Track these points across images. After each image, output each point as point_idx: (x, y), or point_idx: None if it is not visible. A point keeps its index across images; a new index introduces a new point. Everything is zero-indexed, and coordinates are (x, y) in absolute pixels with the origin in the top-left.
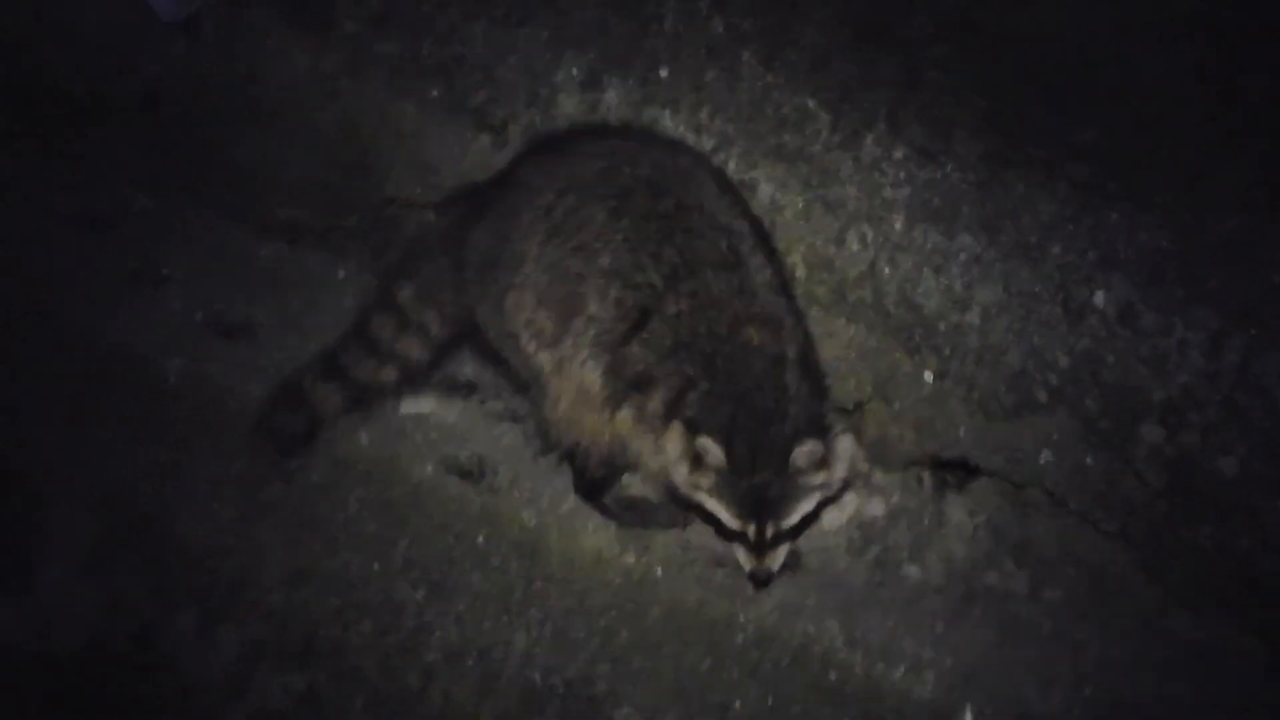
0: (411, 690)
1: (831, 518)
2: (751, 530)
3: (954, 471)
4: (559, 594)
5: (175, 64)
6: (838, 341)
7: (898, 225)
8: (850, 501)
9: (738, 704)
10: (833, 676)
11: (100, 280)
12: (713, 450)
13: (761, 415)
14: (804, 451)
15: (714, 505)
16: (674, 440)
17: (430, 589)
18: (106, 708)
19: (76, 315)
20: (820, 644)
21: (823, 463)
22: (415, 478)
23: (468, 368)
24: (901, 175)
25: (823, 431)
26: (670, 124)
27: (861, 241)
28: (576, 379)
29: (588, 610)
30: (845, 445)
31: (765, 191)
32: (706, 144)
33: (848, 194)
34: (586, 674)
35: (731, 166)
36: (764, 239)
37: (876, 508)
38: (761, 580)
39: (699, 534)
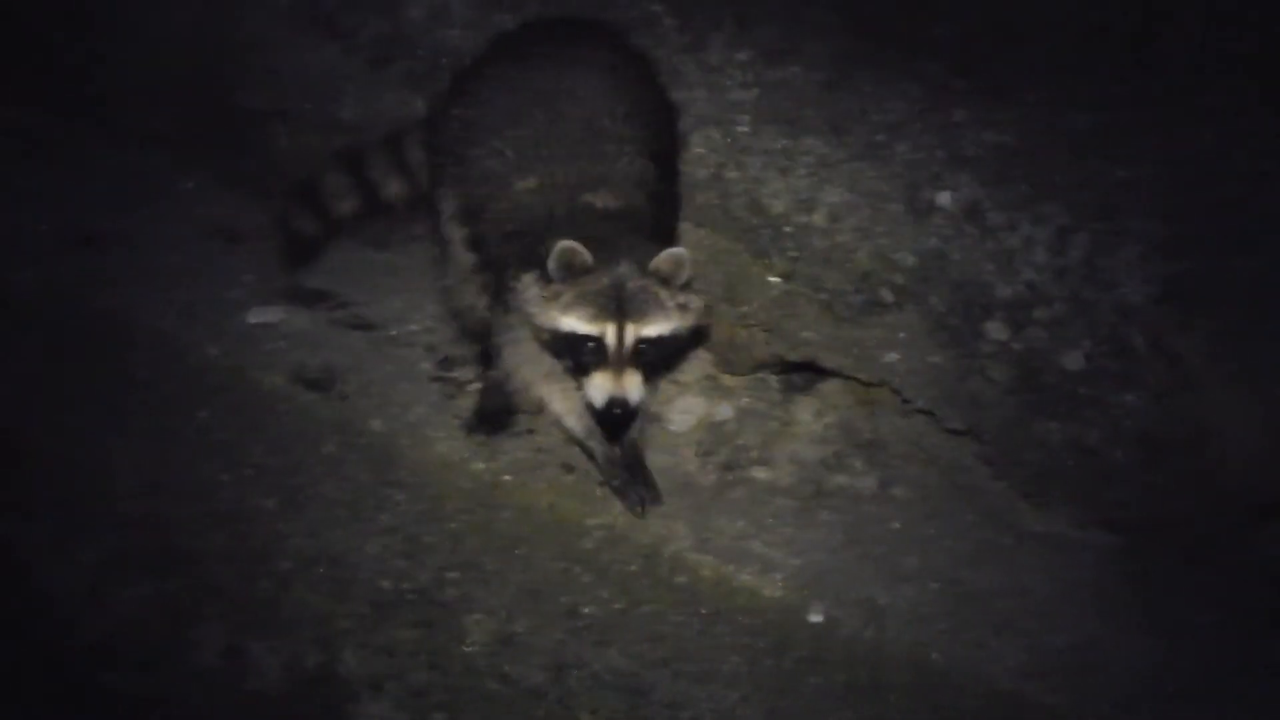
0: (266, 597)
1: (681, 420)
2: (610, 331)
3: (802, 373)
4: (409, 500)
5: None
6: (685, 244)
7: (744, 128)
8: (696, 406)
9: (588, 608)
10: (682, 578)
11: None
12: (573, 248)
13: (612, 237)
14: (666, 256)
15: (572, 318)
16: (526, 283)
17: (282, 497)
18: None
19: None
20: (670, 546)
21: (680, 276)
22: (265, 387)
23: (316, 277)
24: (749, 77)
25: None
26: (513, 27)
27: (708, 144)
28: (457, 251)
29: (438, 516)
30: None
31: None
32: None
33: (695, 97)
34: (437, 579)
35: None
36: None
37: (725, 410)
38: (614, 415)
39: (548, 437)
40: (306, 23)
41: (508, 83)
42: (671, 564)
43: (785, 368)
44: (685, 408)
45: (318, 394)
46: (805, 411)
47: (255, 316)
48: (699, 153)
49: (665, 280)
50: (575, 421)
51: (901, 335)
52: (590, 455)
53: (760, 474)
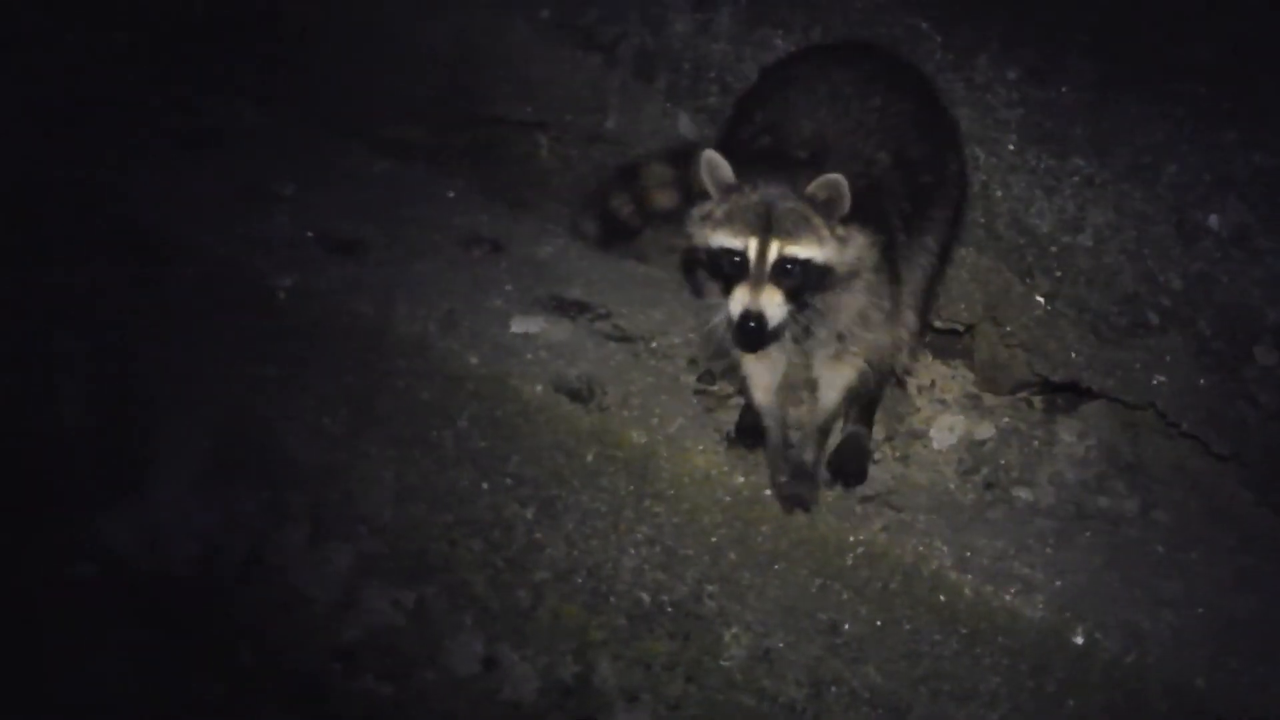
0: (521, 607)
1: (942, 438)
2: (753, 246)
3: (1065, 394)
4: (668, 512)
5: None
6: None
7: (1010, 147)
8: (958, 425)
9: (847, 625)
10: (942, 597)
11: (210, 197)
12: (714, 156)
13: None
14: (826, 179)
15: (721, 233)
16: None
17: (540, 507)
18: (219, 622)
19: (187, 232)
20: (930, 565)
21: (838, 206)
22: (525, 396)
23: (576, 287)
24: (1014, 96)
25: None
26: (781, 45)
27: (974, 163)
28: None
29: (697, 529)
30: (866, 229)
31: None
32: None
33: (960, 115)
34: (695, 593)
35: None
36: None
37: (987, 429)
38: (749, 330)
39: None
40: (568, 35)
41: (786, 108)
42: (932, 582)
43: (1048, 388)
44: (947, 425)
45: (577, 404)
46: (1067, 432)
47: (517, 326)
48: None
49: (825, 207)
50: (760, 393)
51: (1167, 358)
52: (763, 435)
53: (1021, 494)
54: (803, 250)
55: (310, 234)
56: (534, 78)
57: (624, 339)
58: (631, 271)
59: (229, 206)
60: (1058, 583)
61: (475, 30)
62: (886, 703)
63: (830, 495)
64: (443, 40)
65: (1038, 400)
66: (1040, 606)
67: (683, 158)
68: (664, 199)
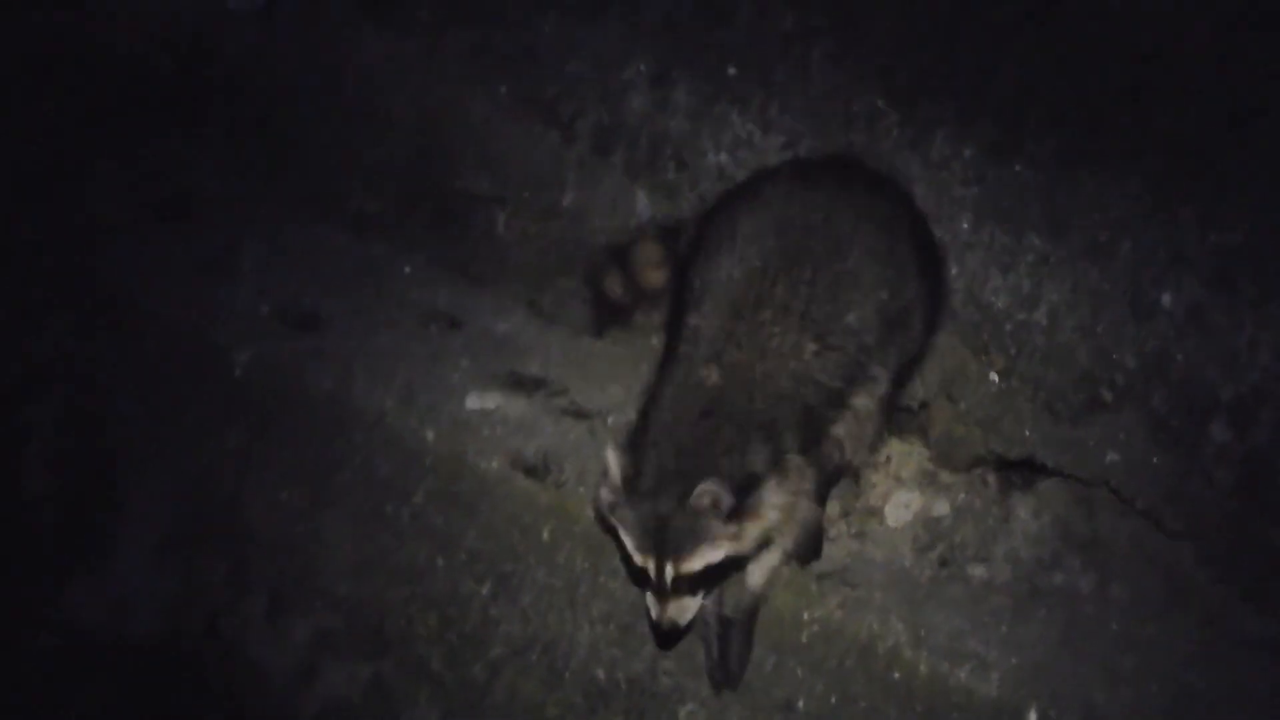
0: (477, 683)
1: (897, 515)
2: (651, 566)
3: (1020, 471)
4: (624, 589)
5: (253, 51)
6: None
7: (965, 224)
8: (913, 501)
9: (802, 701)
10: (897, 674)
11: (175, 267)
12: (612, 464)
13: (692, 444)
14: (702, 489)
15: (622, 532)
16: (611, 462)
17: (496, 582)
18: (179, 692)
19: (152, 303)
20: (885, 641)
21: (721, 508)
22: (481, 472)
23: (533, 363)
24: (971, 174)
25: (747, 476)
26: (739, 121)
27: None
28: None
29: None
30: (768, 498)
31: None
32: (774, 142)
33: (915, 193)
34: (651, 669)
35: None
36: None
37: (942, 506)
38: (663, 634)
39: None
40: (527, 110)
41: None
42: (887, 659)
43: (1003, 465)
44: (902, 502)
45: (534, 480)
46: (1023, 509)
47: (473, 402)
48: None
49: (714, 510)
50: None
51: (1121, 436)
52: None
53: (977, 570)
54: (698, 562)
55: (268, 308)
56: (493, 152)
57: (580, 415)
58: (588, 348)
59: (192, 278)
60: (1013, 660)
61: (436, 103)
62: None
63: (784, 572)
64: (404, 111)
65: (993, 477)
66: (995, 684)
67: (673, 235)
68: (655, 278)
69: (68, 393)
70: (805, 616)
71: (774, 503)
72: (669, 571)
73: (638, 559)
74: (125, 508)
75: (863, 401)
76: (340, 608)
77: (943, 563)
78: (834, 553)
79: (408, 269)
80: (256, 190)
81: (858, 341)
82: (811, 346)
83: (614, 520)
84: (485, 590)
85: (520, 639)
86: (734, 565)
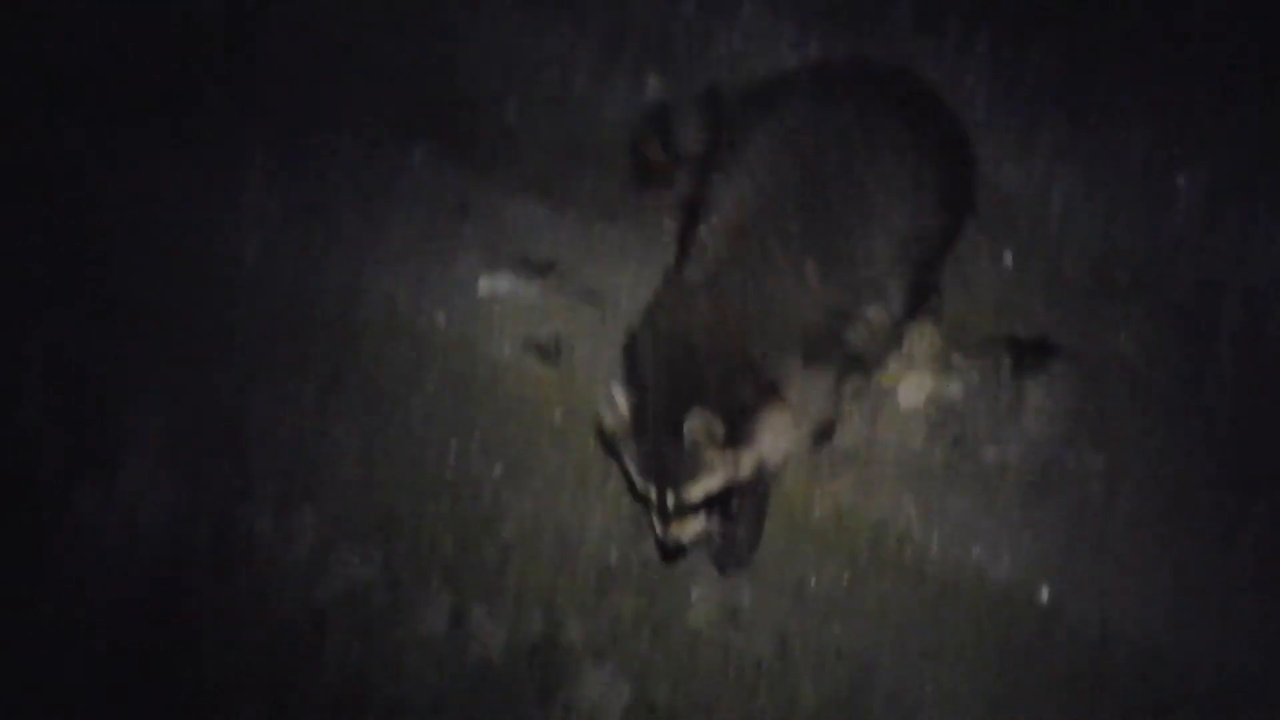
0: (489, 566)
1: (910, 397)
2: (652, 493)
3: (1033, 353)
4: None
5: None
6: None
7: (981, 110)
8: (925, 383)
9: (813, 582)
10: (909, 555)
11: (174, 165)
12: (617, 400)
13: (685, 377)
14: (693, 424)
15: (625, 460)
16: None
17: (507, 466)
18: (192, 589)
19: (152, 206)
20: (897, 523)
21: (716, 439)
22: (492, 357)
23: (543, 248)
24: (986, 59)
25: (732, 408)
26: (750, 7)
27: None
28: None
29: None
30: (766, 422)
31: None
32: (788, 29)
33: (931, 79)
34: None
35: (814, 45)
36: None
37: (954, 389)
38: (668, 551)
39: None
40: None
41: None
42: (899, 541)
43: (1016, 348)
44: (915, 384)
45: (545, 364)
46: (1035, 392)
47: (484, 287)
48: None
49: (710, 438)
50: None
51: (1134, 319)
52: None
53: (989, 453)
54: (697, 491)
55: (273, 201)
56: (503, 41)
57: (592, 299)
58: (599, 232)
59: (197, 173)
60: (1025, 541)
61: None
62: (853, 660)
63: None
64: (413, 5)
65: (1006, 360)
66: (1006, 566)
67: (710, 100)
68: (693, 142)
69: (67, 296)
70: (817, 497)
71: (767, 430)
72: (670, 499)
73: (640, 487)
74: (131, 405)
75: (876, 313)
76: (351, 496)
77: (955, 445)
78: (846, 434)
79: (417, 159)
80: (261, 88)
81: (869, 268)
82: (816, 272)
83: (618, 449)
84: (497, 474)
85: (531, 522)
86: (735, 491)
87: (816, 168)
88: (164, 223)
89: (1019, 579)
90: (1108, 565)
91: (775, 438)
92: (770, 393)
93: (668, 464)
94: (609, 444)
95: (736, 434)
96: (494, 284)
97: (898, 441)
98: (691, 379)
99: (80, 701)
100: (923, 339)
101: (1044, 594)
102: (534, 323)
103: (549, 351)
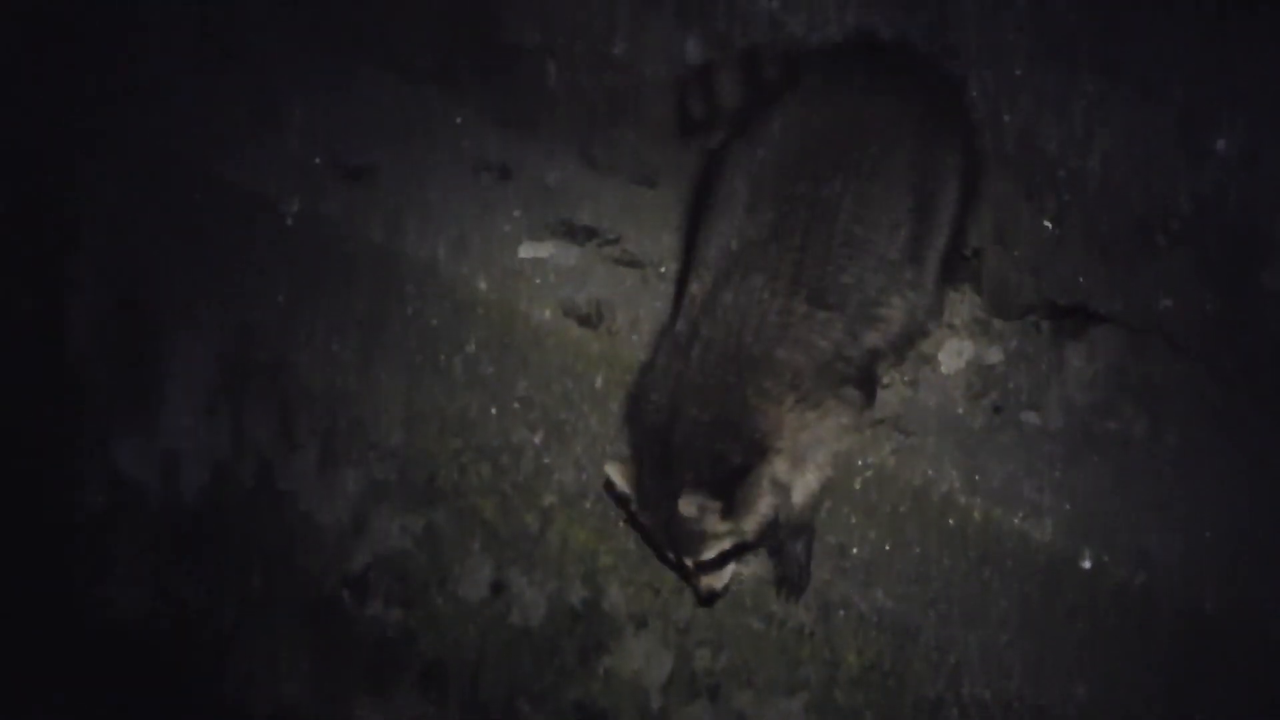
0: (530, 532)
1: (950, 362)
2: (671, 559)
3: (1073, 317)
4: None
5: None
6: None
7: (1018, 69)
8: (966, 348)
9: (856, 548)
10: (951, 521)
11: (222, 119)
12: (615, 477)
13: (673, 450)
14: (685, 503)
15: (637, 526)
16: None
17: (548, 431)
18: (231, 547)
19: (197, 153)
20: (939, 488)
21: (714, 513)
22: (534, 321)
23: (585, 212)
24: (1023, 15)
25: (723, 477)
26: None
27: (981, 87)
28: None
29: None
30: (759, 484)
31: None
32: None
33: (968, 39)
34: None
35: (850, 16)
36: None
37: (995, 353)
38: (704, 602)
39: None
40: None
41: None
42: (941, 505)
43: (1056, 311)
44: (955, 349)
45: (586, 329)
46: (1076, 355)
47: (525, 251)
48: (973, 95)
49: (707, 513)
50: None
51: (1175, 280)
52: None
53: (1030, 417)
54: (710, 555)
55: (318, 159)
56: (543, 1)
57: (633, 263)
58: (641, 196)
59: (239, 130)
60: (1066, 506)
61: None
62: (895, 626)
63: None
64: None
65: (1046, 324)
66: (1049, 530)
67: (753, 57)
68: (734, 98)
69: (109, 246)
70: (859, 463)
71: (763, 491)
72: (689, 563)
73: (657, 554)
74: (172, 361)
75: (895, 305)
76: (392, 459)
77: (996, 409)
78: (887, 399)
79: (459, 119)
80: (306, 42)
81: (860, 296)
82: (802, 309)
83: (631, 515)
84: (538, 439)
85: (573, 487)
86: (750, 547)
87: (801, 202)
88: (208, 165)
89: (1061, 543)
90: (1150, 528)
91: (775, 492)
92: (756, 452)
93: (677, 539)
94: (621, 507)
95: (732, 504)
96: (536, 248)
97: (938, 406)
98: (681, 451)
99: (115, 653)
100: (962, 304)
101: (1087, 558)
102: (575, 287)
103: (590, 316)
